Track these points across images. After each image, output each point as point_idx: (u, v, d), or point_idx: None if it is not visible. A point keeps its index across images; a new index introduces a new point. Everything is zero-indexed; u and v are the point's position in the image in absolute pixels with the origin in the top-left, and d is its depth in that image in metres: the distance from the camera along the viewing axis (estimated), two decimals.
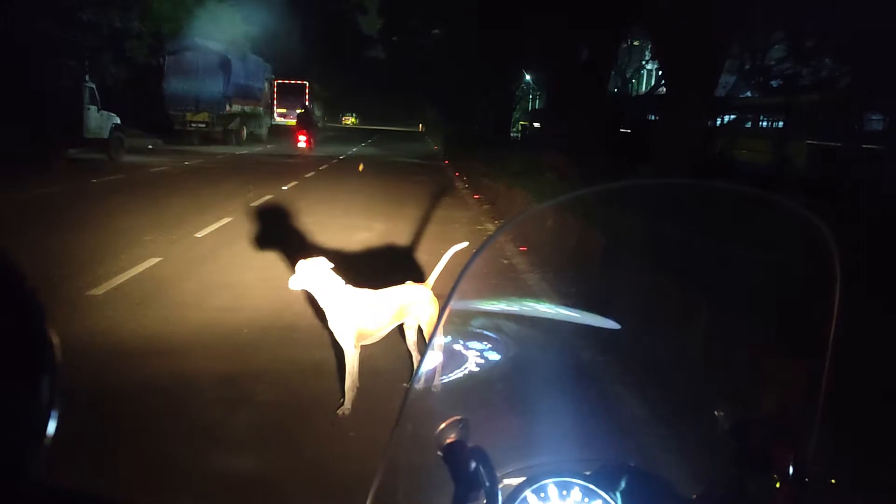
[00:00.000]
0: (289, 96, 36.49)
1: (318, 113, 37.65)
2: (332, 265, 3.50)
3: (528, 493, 0.93)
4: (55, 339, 0.55)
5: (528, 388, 2.97)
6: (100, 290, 5.61)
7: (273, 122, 34.53)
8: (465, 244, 3.93)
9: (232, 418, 3.49)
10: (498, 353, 2.50)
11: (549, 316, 3.13)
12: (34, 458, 0.52)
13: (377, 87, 62.03)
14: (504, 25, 17.38)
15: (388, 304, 3.65)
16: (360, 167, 12.76)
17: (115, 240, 7.43)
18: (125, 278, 6.01)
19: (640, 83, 33.12)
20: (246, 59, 28.88)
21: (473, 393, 2.61)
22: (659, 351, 4.12)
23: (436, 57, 33.62)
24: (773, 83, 19.93)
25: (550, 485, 0.95)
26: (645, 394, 3.88)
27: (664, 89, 15.03)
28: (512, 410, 2.95)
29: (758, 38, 18.03)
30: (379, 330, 3.68)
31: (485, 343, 2.46)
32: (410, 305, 3.71)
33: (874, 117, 16.43)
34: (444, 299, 0.81)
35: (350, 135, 45.22)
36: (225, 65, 26.26)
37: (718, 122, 19.19)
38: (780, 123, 18.30)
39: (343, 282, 3.53)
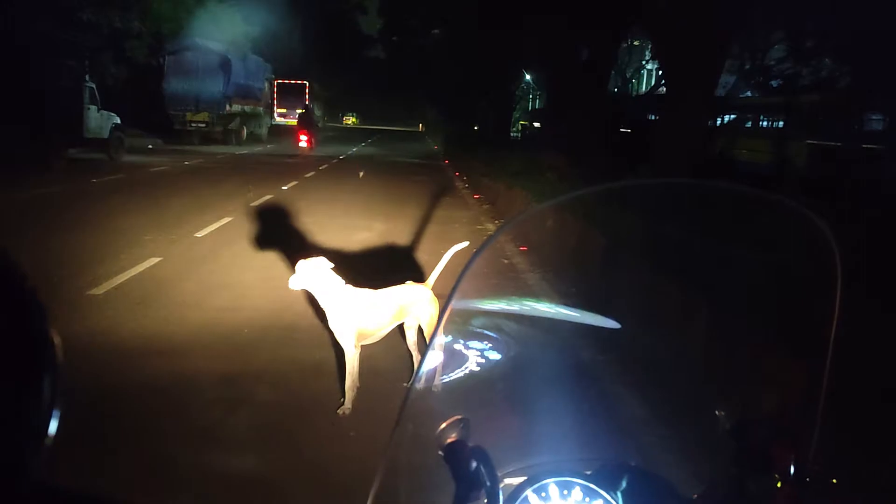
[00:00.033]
0: (289, 96, 36.49)
1: (317, 113, 37.62)
2: (332, 265, 3.50)
3: (529, 492, 0.93)
4: (57, 339, 0.54)
5: (528, 388, 2.97)
6: (100, 290, 5.61)
7: (273, 122, 34.52)
8: (465, 244, 3.93)
9: (232, 418, 3.49)
10: (498, 352, 2.50)
11: (550, 315, 3.13)
12: (35, 458, 0.52)
13: (377, 87, 62.05)
14: (504, 25, 17.38)
15: (388, 304, 3.65)
16: (361, 174, 12.63)
17: (115, 239, 7.43)
18: (125, 278, 6.01)
19: (640, 83, 33.12)
20: (246, 58, 28.87)
21: (474, 392, 2.61)
22: (659, 351, 4.12)
23: (436, 57, 33.63)
24: (773, 83, 19.94)
25: (551, 484, 0.94)
26: (645, 393, 3.88)
27: (664, 89, 15.03)
28: (512, 410, 2.96)
29: (758, 38, 18.03)
30: (379, 330, 3.68)
31: (485, 342, 2.46)
32: (411, 305, 3.71)
33: (874, 117, 16.45)
34: (444, 299, 0.81)
35: (350, 135, 45.23)
36: (225, 65, 26.26)
37: (718, 121, 19.20)
38: (780, 123, 18.31)
39: (343, 282, 3.53)
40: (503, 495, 0.88)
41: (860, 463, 2.31)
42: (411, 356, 3.93)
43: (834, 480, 0.95)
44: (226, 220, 9.18)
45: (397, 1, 37.44)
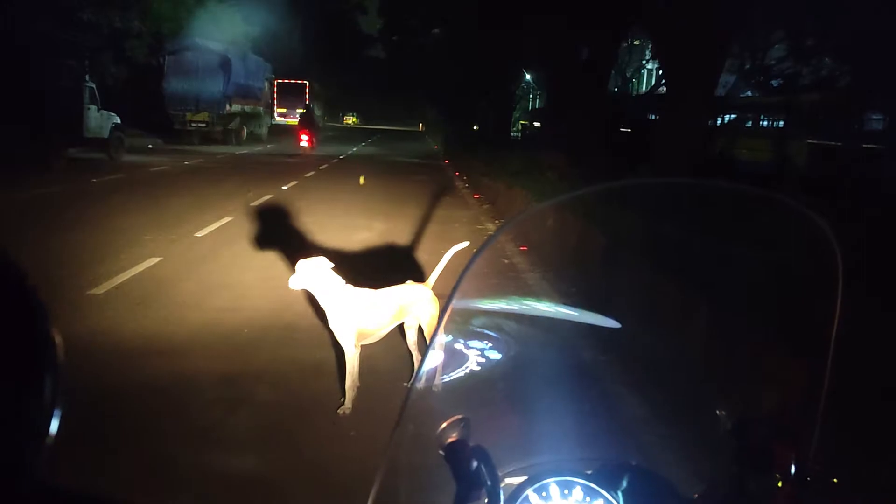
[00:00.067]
0: (289, 96, 36.51)
1: (317, 113, 37.62)
2: (333, 265, 3.50)
3: (529, 492, 0.93)
4: (58, 339, 0.54)
5: (529, 388, 2.96)
6: (100, 290, 5.61)
7: (273, 122, 34.52)
8: (465, 244, 3.93)
9: (232, 418, 3.49)
10: (499, 352, 2.50)
11: (550, 315, 3.13)
12: (36, 458, 0.52)
13: (377, 87, 62.02)
14: (504, 25, 17.37)
15: (388, 304, 3.65)
16: (362, 180, 12.50)
17: (115, 239, 7.43)
18: (125, 278, 6.01)
19: (640, 83, 33.12)
20: (246, 58, 28.88)
21: (474, 392, 2.60)
22: (659, 350, 4.12)
23: (436, 57, 33.60)
24: (774, 82, 19.95)
25: (552, 484, 0.94)
26: (645, 393, 3.88)
27: (664, 89, 15.03)
28: (513, 409, 2.95)
29: (758, 38, 18.03)
30: (379, 329, 3.68)
31: (486, 342, 2.46)
32: (411, 305, 3.71)
33: (874, 116, 16.45)
34: (444, 299, 0.81)
35: (350, 134, 45.23)
36: (225, 64, 26.26)
37: (718, 121, 19.20)
38: (781, 123, 18.31)
39: (343, 281, 3.53)
40: (504, 495, 0.88)
41: (860, 462, 2.31)
42: (411, 356, 3.93)
43: (835, 480, 0.95)
44: (226, 219, 9.18)
45: (397, 1, 37.41)
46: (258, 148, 26.27)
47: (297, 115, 26.36)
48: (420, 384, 0.98)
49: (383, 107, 73.45)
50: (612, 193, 0.95)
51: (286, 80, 36.92)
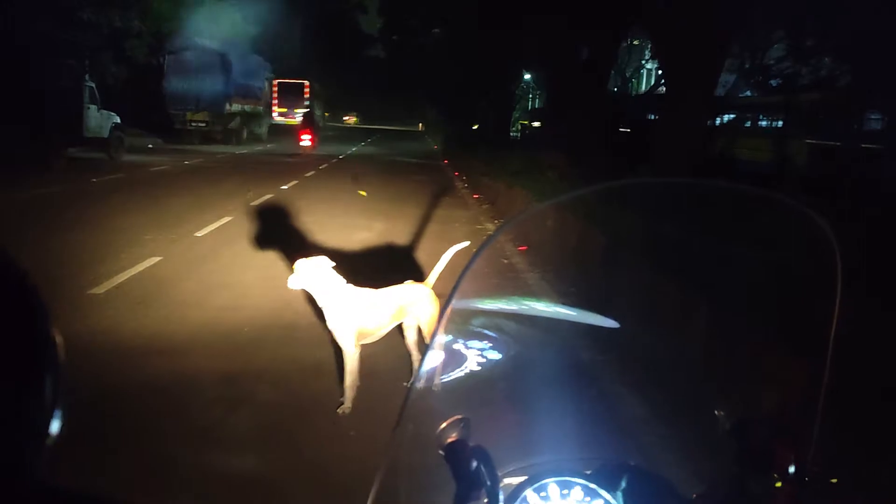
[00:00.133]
0: (289, 96, 36.47)
1: (317, 112, 37.63)
2: (333, 264, 3.50)
3: (529, 491, 0.94)
4: (58, 339, 0.55)
5: (528, 388, 2.97)
6: (100, 289, 5.61)
7: (273, 122, 34.52)
8: (465, 244, 3.93)
9: (232, 418, 3.49)
10: (498, 352, 2.50)
11: (549, 315, 3.14)
12: (36, 458, 0.52)
13: (377, 87, 61.93)
14: (504, 25, 17.36)
15: (388, 304, 3.65)
16: (363, 193, 12.24)
17: (115, 239, 7.43)
18: (125, 277, 6.01)
19: (639, 82, 33.12)
20: (246, 58, 28.89)
21: (474, 392, 2.60)
22: (659, 350, 4.12)
23: (436, 57, 33.59)
24: (773, 82, 19.94)
25: (551, 484, 0.95)
26: (645, 393, 3.88)
27: (664, 89, 15.02)
28: (513, 409, 2.95)
29: (758, 38, 18.03)
30: (379, 329, 3.68)
31: (485, 342, 2.46)
32: (410, 305, 3.71)
33: (874, 116, 16.44)
34: (444, 299, 0.81)
35: (350, 134, 45.23)
36: (225, 64, 26.28)
37: (718, 121, 19.20)
38: (780, 122, 18.31)
39: (343, 281, 3.53)
40: (503, 495, 0.88)
41: (860, 462, 2.31)
42: (411, 356, 3.93)
43: (834, 480, 0.95)
44: (226, 219, 9.18)
45: (397, 0, 37.40)
46: (258, 147, 26.28)
47: (298, 115, 26.34)
48: (420, 384, 0.98)
49: (383, 106, 73.38)
50: (612, 193, 0.95)
51: (286, 80, 36.88)
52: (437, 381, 2.83)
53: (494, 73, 26.33)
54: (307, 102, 35.05)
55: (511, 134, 34.25)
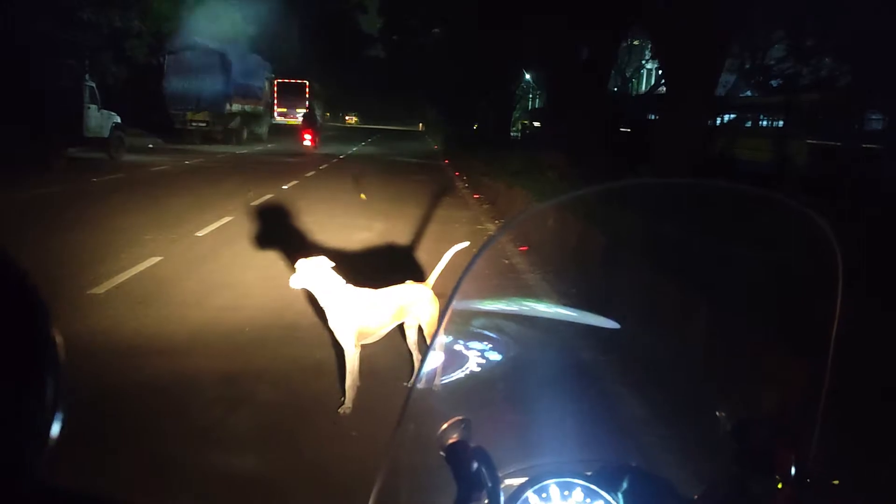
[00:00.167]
0: (289, 95, 36.51)
1: (318, 112, 37.63)
2: (333, 264, 3.50)
3: (529, 493, 0.93)
4: (59, 339, 0.54)
5: (529, 389, 2.96)
6: (101, 289, 5.61)
7: (273, 122, 34.53)
8: (466, 244, 3.93)
9: (232, 418, 3.49)
10: (499, 353, 2.50)
11: (550, 316, 3.13)
12: (37, 459, 0.52)
13: (377, 87, 61.97)
14: (504, 25, 17.36)
15: (388, 304, 3.65)
16: (363, 196, 12.07)
17: (115, 239, 7.43)
18: (126, 277, 6.01)
19: (640, 82, 33.11)
20: (246, 58, 28.89)
21: (475, 393, 2.60)
22: (659, 350, 4.12)
23: (436, 57, 33.61)
24: (773, 82, 19.95)
25: (552, 485, 0.94)
26: (645, 393, 3.88)
27: (664, 89, 15.02)
28: (513, 410, 2.95)
29: (758, 38, 18.03)
30: (379, 329, 3.68)
31: (486, 343, 2.46)
32: (411, 305, 3.71)
33: (874, 116, 16.44)
34: (444, 299, 0.81)
35: (351, 134, 45.23)
36: (225, 64, 26.28)
37: (718, 121, 19.20)
38: (781, 122, 18.31)
39: (344, 281, 3.53)
40: (504, 496, 0.88)
41: (860, 462, 2.31)
42: (411, 356, 3.93)
43: (835, 482, 0.95)
44: (226, 219, 9.18)
45: (397, 0, 37.41)
46: (258, 147, 26.28)
47: (298, 115, 26.33)
48: (420, 385, 0.98)
49: (383, 106, 73.40)
50: (612, 193, 0.95)
51: (286, 80, 36.92)
52: (437, 382, 2.83)
53: (494, 73, 26.35)
54: (308, 102, 35.06)
55: (512, 134, 34.28)
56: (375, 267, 6.61)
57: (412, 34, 38.15)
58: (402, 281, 3.81)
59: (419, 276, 3.98)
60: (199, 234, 8.20)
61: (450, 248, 3.85)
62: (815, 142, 15.83)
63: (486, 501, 0.85)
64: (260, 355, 4.41)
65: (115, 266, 6.29)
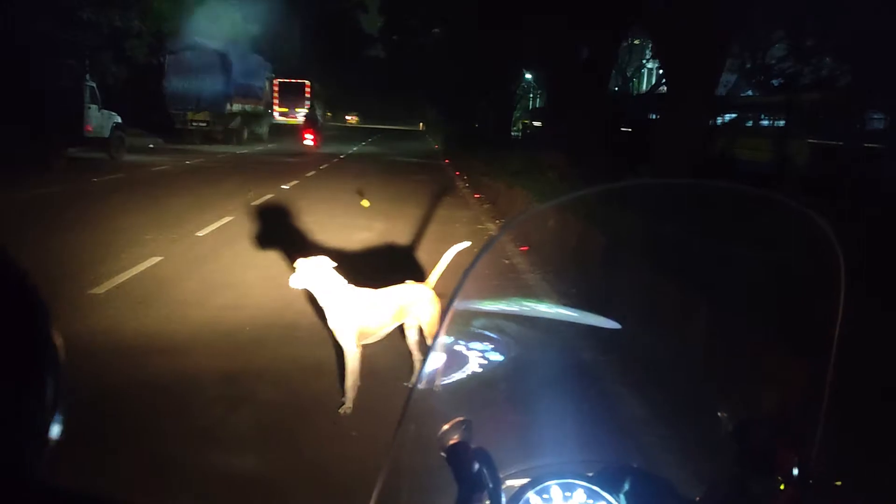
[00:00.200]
0: (289, 95, 36.45)
1: (318, 112, 37.62)
2: (335, 264, 3.50)
3: (531, 494, 0.93)
4: (59, 340, 0.54)
5: (530, 389, 2.96)
6: (101, 289, 5.61)
7: (274, 122, 34.52)
8: (466, 244, 3.92)
9: (233, 417, 3.49)
10: (500, 353, 2.50)
11: (550, 316, 3.13)
12: (37, 458, 0.52)
13: (377, 87, 61.93)
14: (504, 25, 17.36)
15: (388, 304, 3.65)
16: (365, 203, 11.75)
17: (115, 239, 7.43)
18: (126, 277, 6.01)
19: (640, 82, 33.09)
20: (246, 58, 28.87)
21: (476, 394, 2.60)
22: (659, 350, 4.11)
23: (436, 57, 33.60)
24: (774, 82, 19.93)
25: (554, 486, 0.94)
26: (646, 393, 3.88)
27: (664, 88, 15.02)
28: (514, 411, 2.95)
29: (758, 37, 18.02)
30: (380, 329, 3.68)
31: (486, 344, 2.46)
32: (411, 305, 3.71)
33: (875, 116, 16.43)
34: (445, 299, 0.80)
35: (351, 134, 45.22)
36: (225, 64, 26.27)
37: (719, 121, 19.19)
38: (781, 122, 18.29)
39: (344, 281, 3.53)
40: (505, 497, 0.88)
41: (861, 462, 2.31)
42: (412, 356, 3.92)
43: (838, 483, 0.94)
44: (227, 219, 9.18)
45: (397, 0, 37.39)
46: (259, 147, 26.28)
47: (299, 115, 26.31)
48: (421, 385, 0.98)
49: (383, 106, 73.34)
50: (612, 194, 0.95)
51: (287, 80, 36.88)
52: (438, 383, 2.83)
53: (494, 73, 26.34)
54: (308, 102, 35.05)
55: (512, 133, 34.26)
56: (376, 267, 6.61)
57: (412, 34, 38.14)
58: (402, 281, 3.81)
59: (419, 277, 3.98)
60: (200, 233, 8.20)
61: (450, 247, 3.85)
62: (815, 141, 15.83)
63: (488, 502, 0.84)
64: (260, 355, 4.42)
65: (116, 266, 6.29)
